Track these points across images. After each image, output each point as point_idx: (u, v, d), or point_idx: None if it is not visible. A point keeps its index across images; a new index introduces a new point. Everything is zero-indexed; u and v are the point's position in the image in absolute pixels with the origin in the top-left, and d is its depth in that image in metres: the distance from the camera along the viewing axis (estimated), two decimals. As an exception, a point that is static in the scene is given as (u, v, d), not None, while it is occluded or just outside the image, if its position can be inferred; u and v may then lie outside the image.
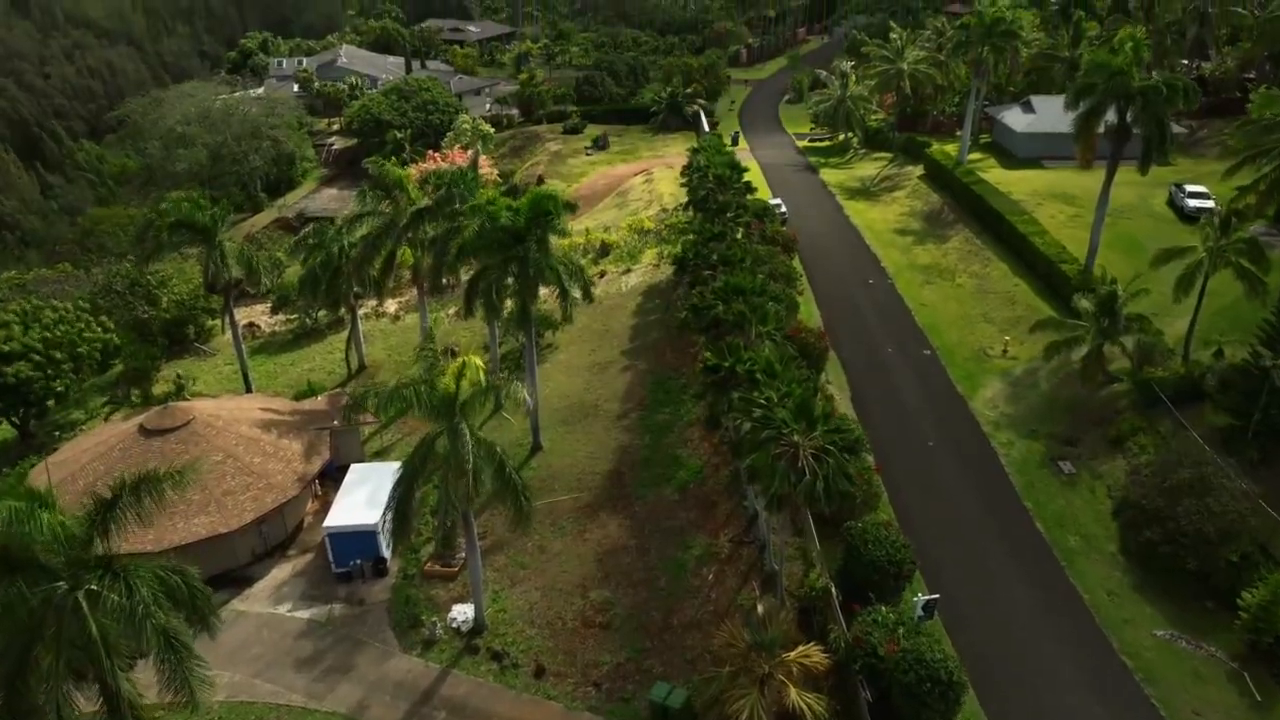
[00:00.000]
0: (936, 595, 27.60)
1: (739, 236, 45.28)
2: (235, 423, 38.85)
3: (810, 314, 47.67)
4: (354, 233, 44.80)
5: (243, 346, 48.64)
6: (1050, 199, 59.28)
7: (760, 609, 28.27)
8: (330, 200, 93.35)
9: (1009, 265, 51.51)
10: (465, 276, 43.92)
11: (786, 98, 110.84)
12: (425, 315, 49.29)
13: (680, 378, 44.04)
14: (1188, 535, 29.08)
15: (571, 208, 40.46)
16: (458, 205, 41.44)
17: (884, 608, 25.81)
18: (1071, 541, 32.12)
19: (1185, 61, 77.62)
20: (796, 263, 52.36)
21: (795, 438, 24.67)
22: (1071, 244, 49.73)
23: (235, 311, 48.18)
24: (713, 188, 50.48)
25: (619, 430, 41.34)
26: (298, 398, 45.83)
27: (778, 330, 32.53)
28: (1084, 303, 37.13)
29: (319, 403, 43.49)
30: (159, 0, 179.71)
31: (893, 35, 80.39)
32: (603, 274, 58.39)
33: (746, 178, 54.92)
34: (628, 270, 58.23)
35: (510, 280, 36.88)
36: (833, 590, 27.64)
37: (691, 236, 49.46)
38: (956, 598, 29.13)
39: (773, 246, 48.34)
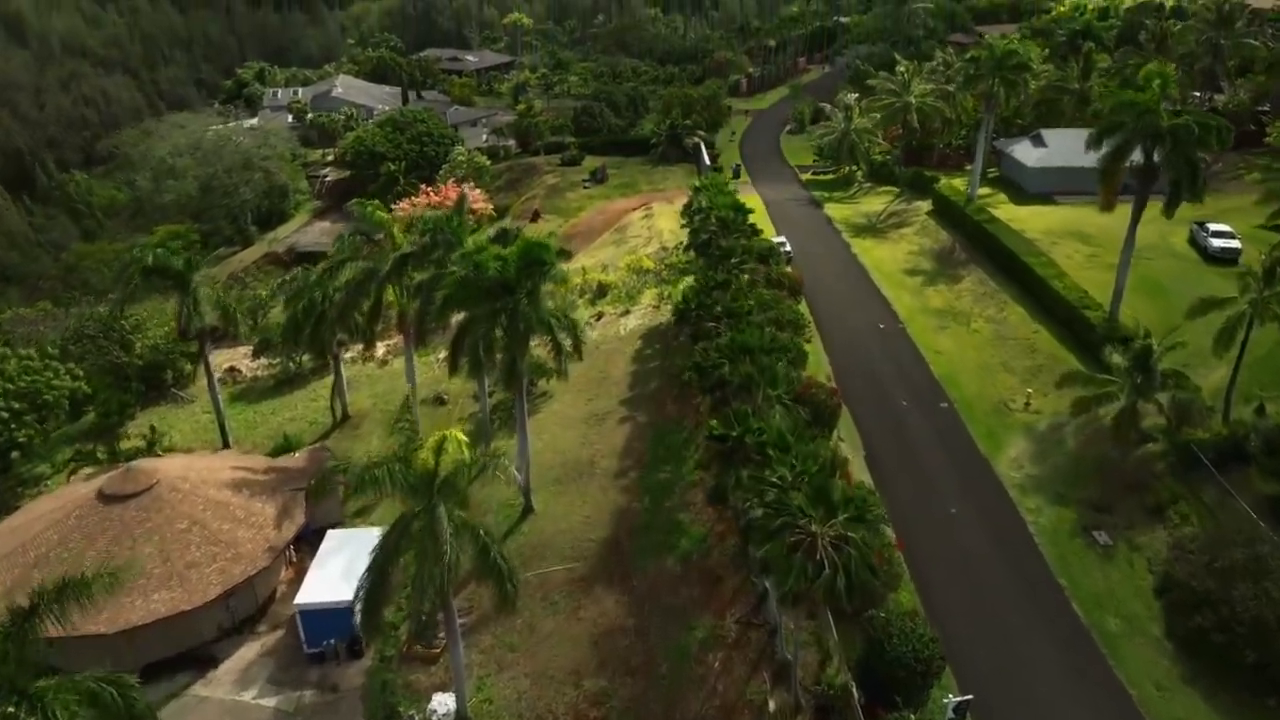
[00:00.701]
0: (969, 696, 24.77)
1: (743, 282, 42.74)
2: (203, 485, 36.16)
3: (819, 363, 45.05)
4: (336, 279, 42.39)
5: (219, 396, 46.01)
6: (1066, 237, 56.99)
7: (772, 706, 25.60)
8: (322, 234, 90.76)
9: (1026, 309, 49.00)
10: (456, 320, 41.48)
11: (788, 128, 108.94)
12: (412, 365, 46.54)
13: (682, 431, 41.36)
14: (1244, 623, 26.36)
15: (565, 255, 37.95)
16: (443, 253, 38.99)
17: (912, 716, 22.97)
18: (1112, 624, 29.32)
19: (1197, 94, 75.83)
20: (803, 306, 49.83)
21: (813, 527, 22.00)
22: (1092, 286, 47.32)
23: (216, 355, 45.77)
24: (715, 231, 47.92)
25: (616, 491, 38.59)
26: (274, 453, 43.14)
27: (788, 393, 29.87)
28: (1116, 358, 34.57)
29: (297, 460, 40.80)
30: (157, 29, 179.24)
31: (899, 68, 78.47)
32: (599, 316, 55.84)
33: (751, 219, 52.34)
34: (626, 312, 55.66)
35: (499, 333, 34.34)
36: (853, 689, 24.84)
37: (692, 280, 46.94)
38: (988, 693, 26.25)
39: (778, 291, 45.77)
